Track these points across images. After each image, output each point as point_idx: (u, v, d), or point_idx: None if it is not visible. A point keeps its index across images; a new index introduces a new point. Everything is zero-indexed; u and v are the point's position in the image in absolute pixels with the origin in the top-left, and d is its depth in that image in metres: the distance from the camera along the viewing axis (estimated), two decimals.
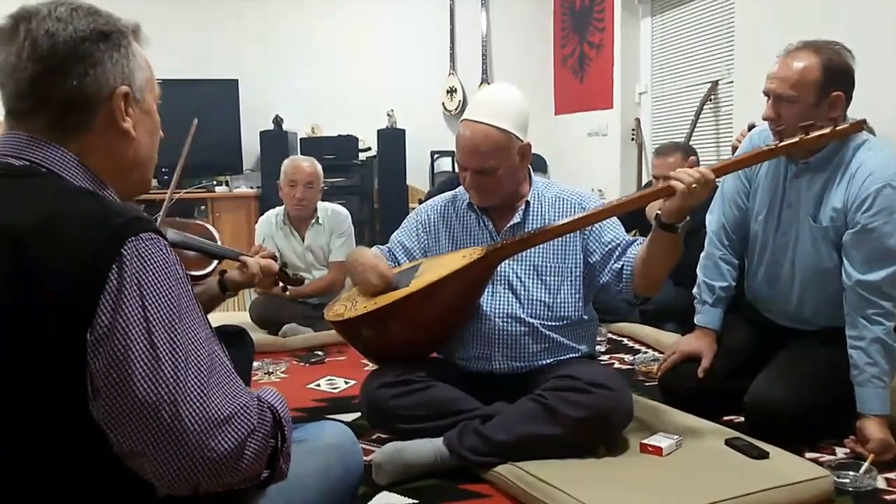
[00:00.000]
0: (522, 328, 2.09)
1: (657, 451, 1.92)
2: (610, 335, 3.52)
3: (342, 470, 1.32)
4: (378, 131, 5.88)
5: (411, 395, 2.01)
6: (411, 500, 1.82)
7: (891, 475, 1.91)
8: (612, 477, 1.82)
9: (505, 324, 2.09)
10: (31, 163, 0.99)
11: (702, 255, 2.42)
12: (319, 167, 3.69)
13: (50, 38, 0.98)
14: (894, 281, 2.02)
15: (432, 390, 2.02)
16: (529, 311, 2.10)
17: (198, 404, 0.91)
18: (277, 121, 5.81)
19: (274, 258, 2.33)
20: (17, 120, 1.02)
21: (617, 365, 3.08)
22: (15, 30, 0.99)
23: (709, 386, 2.25)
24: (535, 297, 2.10)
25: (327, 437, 1.35)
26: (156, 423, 0.89)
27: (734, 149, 3.30)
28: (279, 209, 3.74)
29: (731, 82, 4.18)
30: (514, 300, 2.11)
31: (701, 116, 4.35)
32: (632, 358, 3.13)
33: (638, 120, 5.16)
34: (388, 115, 5.94)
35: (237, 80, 5.72)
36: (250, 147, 5.89)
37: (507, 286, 2.12)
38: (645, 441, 1.95)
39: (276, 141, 5.72)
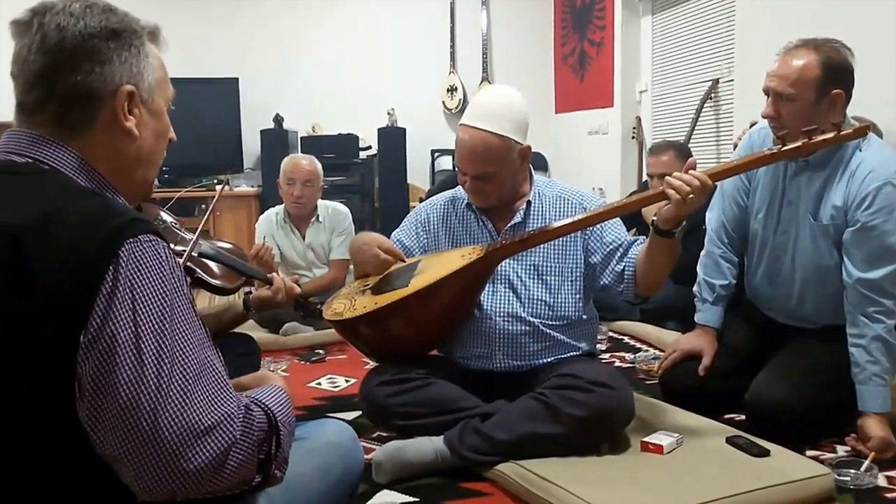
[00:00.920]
0: (523, 327, 2.09)
1: (658, 449, 1.92)
2: (611, 333, 3.52)
3: (343, 468, 1.32)
4: (378, 130, 5.88)
5: (411, 393, 2.01)
6: (412, 499, 1.82)
7: (891, 473, 1.91)
8: (613, 475, 1.82)
9: (506, 323, 2.09)
10: (34, 160, 0.99)
11: (702, 253, 2.42)
12: (319, 165, 3.69)
13: (60, 32, 0.99)
14: (894, 278, 2.02)
15: (432, 388, 2.02)
16: (530, 310, 2.10)
17: (178, 413, 0.89)
18: (278, 119, 5.81)
19: (297, 283, 2.32)
20: (25, 113, 1.03)
21: (617, 363, 3.08)
22: (30, 22, 1.01)
23: (709, 384, 2.25)
24: (535, 297, 2.10)
25: (328, 435, 1.35)
26: (134, 430, 0.88)
27: (735, 147, 3.30)
28: (279, 207, 3.75)
29: (732, 80, 4.17)
30: (515, 299, 2.10)
31: (701, 115, 4.35)
32: (632, 356, 3.13)
33: (638, 118, 5.15)
34: (389, 113, 5.94)
35: (237, 79, 5.72)
36: (251, 146, 5.89)
37: (507, 285, 2.11)
38: (646, 439, 1.95)
39: (276, 140, 5.72)
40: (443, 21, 6.26)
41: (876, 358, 2.00)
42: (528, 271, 2.12)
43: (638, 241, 2.07)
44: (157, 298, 0.92)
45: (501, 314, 2.10)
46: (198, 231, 2.22)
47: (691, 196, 1.79)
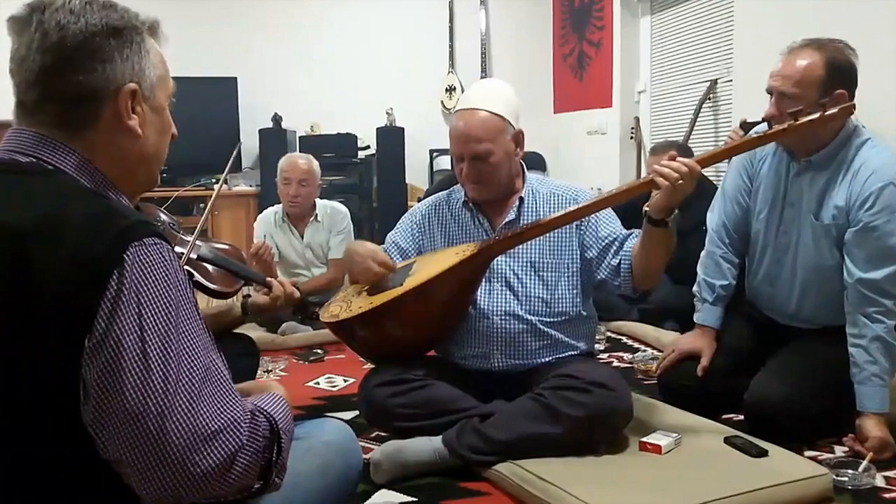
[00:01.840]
0: (521, 325, 2.09)
1: (656, 449, 1.91)
2: (609, 333, 3.52)
3: (341, 468, 1.32)
4: (377, 129, 5.88)
5: (409, 394, 2.00)
6: (410, 499, 1.82)
7: (889, 473, 1.91)
8: (611, 475, 1.82)
9: (503, 321, 2.09)
10: (38, 160, 0.98)
11: (702, 253, 2.42)
12: (316, 164, 3.68)
13: (60, 31, 0.97)
14: (895, 279, 2.03)
15: (430, 389, 2.01)
16: (527, 307, 2.10)
17: (185, 418, 0.89)
18: (276, 119, 5.80)
19: (297, 287, 2.32)
20: (25, 112, 1.01)
21: (616, 363, 3.08)
22: (28, 19, 0.99)
23: (708, 384, 2.25)
24: (532, 294, 2.10)
25: (327, 435, 1.35)
26: (141, 434, 0.88)
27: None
28: (278, 207, 3.74)
29: (730, 81, 4.18)
30: (512, 297, 2.10)
31: (700, 115, 4.35)
32: (631, 356, 3.12)
33: (637, 119, 5.15)
34: (388, 113, 5.93)
35: (236, 78, 5.71)
36: (249, 145, 5.88)
37: (504, 283, 2.11)
38: (644, 439, 1.95)
39: (275, 139, 5.71)
40: (441, 21, 6.25)
41: (875, 358, 2.00)
42: (524, 268, 2.11)
43: (633, 235, 2.07)
44: (162, 302, 0.91)
45: (499, 313, 2.10)
46: (195, 233, 2.21)
47: (680, 182, 1.79)
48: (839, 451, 2.06)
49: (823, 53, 2.02)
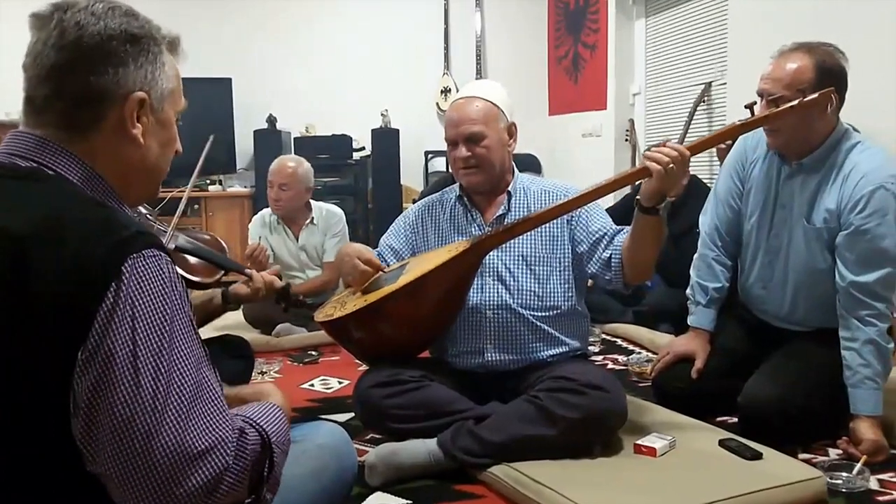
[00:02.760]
0: (513, 318, 2.09)
1: (651, 451, 1.92)
2: (604, 336, 3.52)
3: (336, 471, 1.32)
4: (372, 131, 5.88)
5: (404, 395, 2.00)
6: (405, 501, 1.81)
7: (883, 476, 1.91)
8: (606, 477, 1.82)
9: (495, 315, 2.10)
10: (39, 165, 0.98)
11: (695, 256, 2.42)
12: (304, 169, 3.64)
13: (78, 31, 0.98)
14: (887, 282, 2.04)
15: (425, 390, 2.01)
16: (519, 301, 2.10)
17: (173, 436, 0.88)
18: (271, 120, 5.80)
19: (279, 276, 2.33)
20: (32, 109, 1.01)
21: (610, 365, 3.08)
22: (49, 17, 0.99)
23: (702, 387, 2.25)
24: (524, 288, 2.11)
25: (321, 438, 1.35)
26: (128, 450, 0.87)
27: (719, 151, 3.31)
28: None
29: (725, 84, 4.19)
30: (504, 291, 2.11)
31: (694, 118, 4.36)
32: (625, 359, 3.13)
33: (632, 121, 5.16)
34: (383, 114, 5.93)
35: (231, 79, 5.70)
36: (244, 146, 5.87)
37: (496, 277, 2.12)
38: (639, 442, 1.95)
39: (269, 140, 5.70)
40: (437, 22, 6.26)
41: (868, 361, 2.01)
42: (516, 262, 2.12)
43: (623, 231, 2.07)
44: (157, 316, 0.90)
45: (491, 306, 2.10)
46: (173, 224, 2.21)
47: (671, 166, 1.81)
48: (833, 453, 2.07)
49: (813, 56, 2.03)
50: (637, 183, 2.05)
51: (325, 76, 6.04)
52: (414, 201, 3.42)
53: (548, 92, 6.24)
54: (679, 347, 2.35)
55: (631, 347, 3.37)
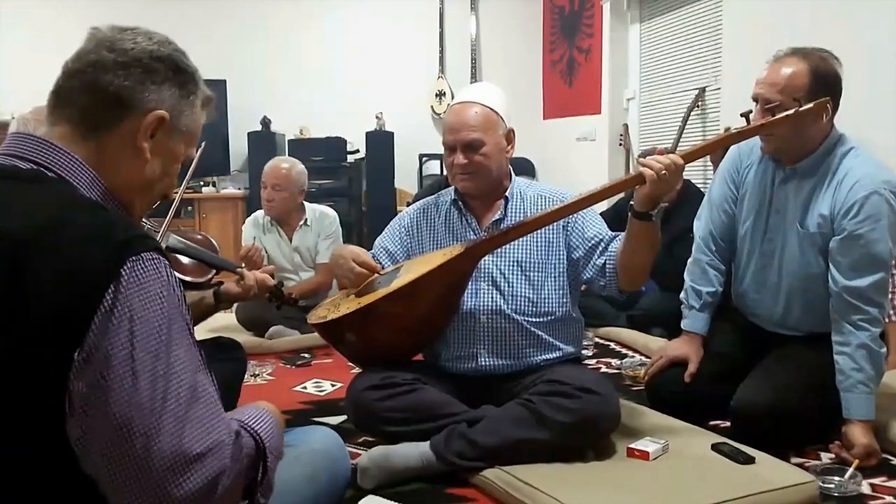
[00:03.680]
0: (507, 324, 2.09)
1: (644, 455, 1.92)
2: (597, 339, 3.52)
3: (329, 476, 1.32)
4: (366, 133, 5.88)
5: (397, 398, 1.99)
6: None
7: (875, 480, 1.92)
8: (598, 481, 1.81)
9: (489, 320, 2.09)
10: (39, 166, 0.98)
11: (689, 260, 2.43)
12: (298, 171, 3.64)
13: (133, 44, 1.03)
14: (880, 287, 2.04)
15: (418, 393, 2.00)
16: (513, 306, 2.10)
17: (170, 439, 0.88)
18: (265, 122, 5.79)
19: (272, 275, 2.32)
20: (57, 100, 1.03)
21: (604, 369, 3.08)
22: (111, 31, 1.04)
23: (695, 391, 2.26)
24: (518, 293, 2.10)
25: (315, 443, 1.35)
26: (125, 453, 0.86)
27: (713, 155, 3.32)
28: None
29: (719, 89, 4.21)
30: (498, 296, 2.10)
31: (688, 122, 4.37)
32: (619, 362, 3.13)
33: (626, 125, 5.18)
34: (377, 117, 5.93)
35: (225, 81, 5.69)
36: (238, 148, 5.86)
37: (490, 283, 2.11)
38: (632, 446, 1.95)
39: (263, 142, 5.70)
40: (432, 26, 6.27)
41: (861, 366, 2.01)
42: (510, 268, 2.12)
43: (618, 237, 2.07)
44: (155, 320, 0.90)
45: (485, 311, 2.10)
46: (164, 225, 2.21)
47: (664, 172, 1.81)
48: (825, 458, 2.07)
49: (808, 62, 2.04)
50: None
51: (320, 78, 6.05)
52: (408, 204, 3.42)
53: (542, 96, 6.26)
54: (672, 351, 2.35)
55: (624, 351, 3.37)
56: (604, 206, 3.87)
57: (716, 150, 2.18)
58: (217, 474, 0.91)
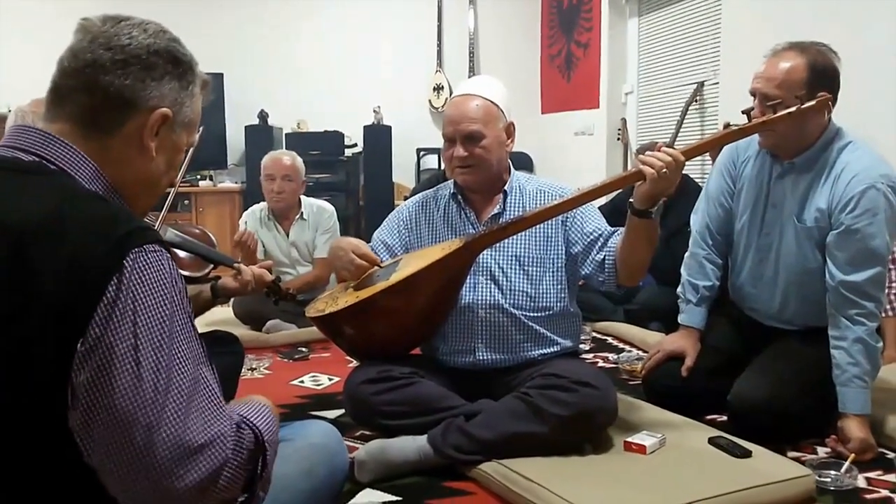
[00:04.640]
0: (505, 318, 2.09)
1: (641, 449, 1.92)
2: (594, 334, 3.53)
3: (327, 471, 1.32)
4: (364, 127, 5.87)
5: (394, 392, 2.00)
6: (394, 498, 1.81)
7: (871, 474, 1.92)
8: (596, 475, 1.82)
9: (487, 314, 2.09)
10: (41, 159, 0.98)
11: (686, 254, 2.43)
12: (299, 161, 3.67)
13: (129, 38, 1.02)
14: (876, 282, 2.05)
15: (416, 387, 2.01)
16: (512, 301, 2.10)
17: (173, 430, 0.88)
18: (263, 116, 5.78)
19: (269, 269, 2.32)
20: (56, 97, 1.02)
21: (601, 363, 3.08)
22: (101, 23, 1.02)
23: (692, 385, 2.26)
24: (517, 288, 2.10)
25: (313, 437, 1.34)
26: (127, 444, 0.87)
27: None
28: (263, 204, 3.72)
29: (717, 83, 4.20)
30: (497, 290, 2.10)
31: (686, 117, 4.37)
32: (616, 357, 3.14)
33: (624, 120, 5.17)
34: (375, 111, 5.92)
35: (222, 74, 5.66)
36: (235, 142, 5.85)
37: (489, 277, 2.11)
38: (629, 439, 1.95)
39: (261, 136, 5.69)
40: (430, 19, 6.25)
41: (857, 360, 2.02)
42: (509, 262, 2.12)
43: (618, 232, 2.07)
44: (158, 311, 0.90)
45: (483, 305, 2.10)
46: (160, 219, 2.20)
47: (664, 170, 1.81)
48: (822, 452, 2.08)
49: (806, 56, 2.04)
50: None
51: (318, 72, 6.03)
52: (405, 198, 3.42)
53: (540, 90, 6.25)
54: (669, 345, 2.35)
55: (621, 346, 3.38)
56: (602, 200, 3.87)
57: (718, 145, 2.17)
58: (219, 466, 0.91)
